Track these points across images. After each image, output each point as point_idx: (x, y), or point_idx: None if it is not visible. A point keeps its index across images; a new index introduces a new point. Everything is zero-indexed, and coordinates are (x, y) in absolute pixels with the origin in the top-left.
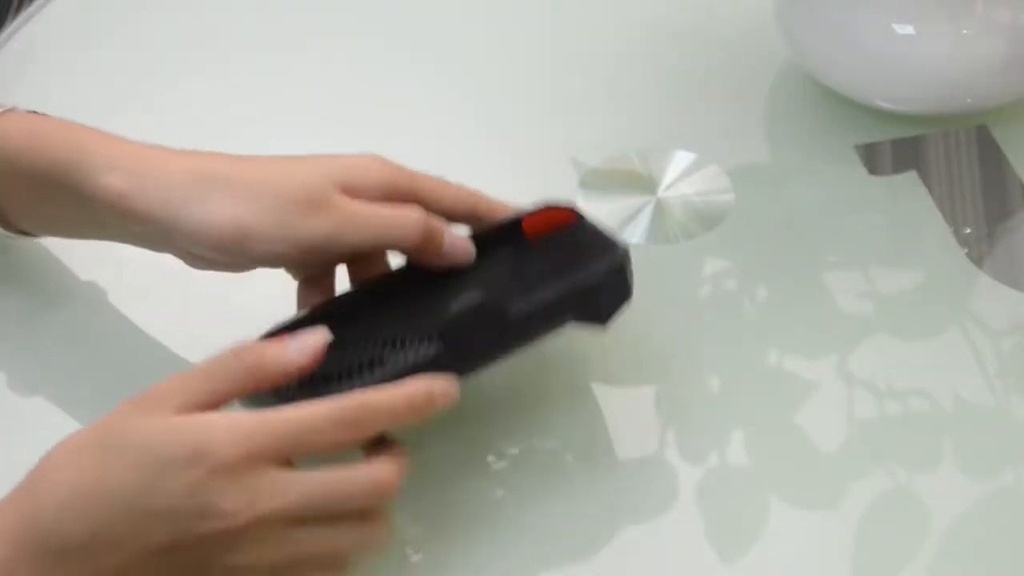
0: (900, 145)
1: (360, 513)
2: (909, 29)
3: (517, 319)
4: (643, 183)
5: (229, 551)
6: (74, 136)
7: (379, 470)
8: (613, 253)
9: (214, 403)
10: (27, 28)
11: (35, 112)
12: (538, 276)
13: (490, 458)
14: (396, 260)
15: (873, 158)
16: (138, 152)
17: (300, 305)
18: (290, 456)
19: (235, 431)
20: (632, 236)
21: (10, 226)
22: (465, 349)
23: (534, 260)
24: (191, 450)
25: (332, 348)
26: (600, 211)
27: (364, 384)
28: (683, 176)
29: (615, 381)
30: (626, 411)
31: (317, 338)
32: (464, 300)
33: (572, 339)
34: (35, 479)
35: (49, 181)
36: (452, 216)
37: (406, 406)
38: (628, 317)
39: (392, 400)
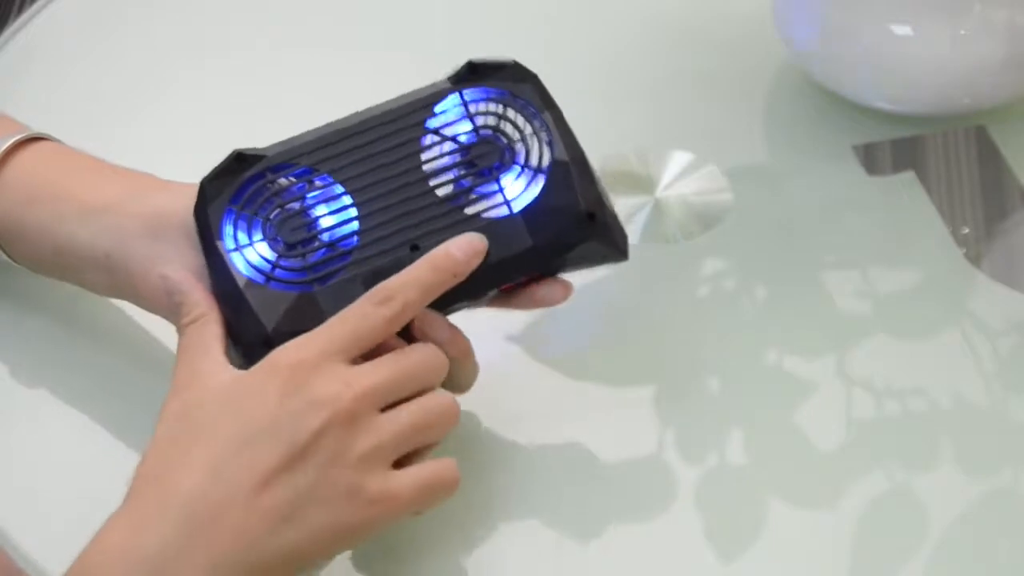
0: (898, 145)
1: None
2: (907, 30)
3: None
4: (641, 183)
5: (344, 447)
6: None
7: (428, 346)
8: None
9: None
10: (29, 27)
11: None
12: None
13: (489, 459)
14: None
15: (871, 158)
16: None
17: None
18: (353, 352)
19: (296, 341)
20: (631, 236)
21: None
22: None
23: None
24: (264, 370)
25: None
26: None
27: None
28: (681, 176)
29: (614, 381)
30: (626, 411)
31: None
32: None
33: (572, 337)
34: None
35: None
36: None
37: (430, 269)
38: (628, 317)
39: (415, 269)
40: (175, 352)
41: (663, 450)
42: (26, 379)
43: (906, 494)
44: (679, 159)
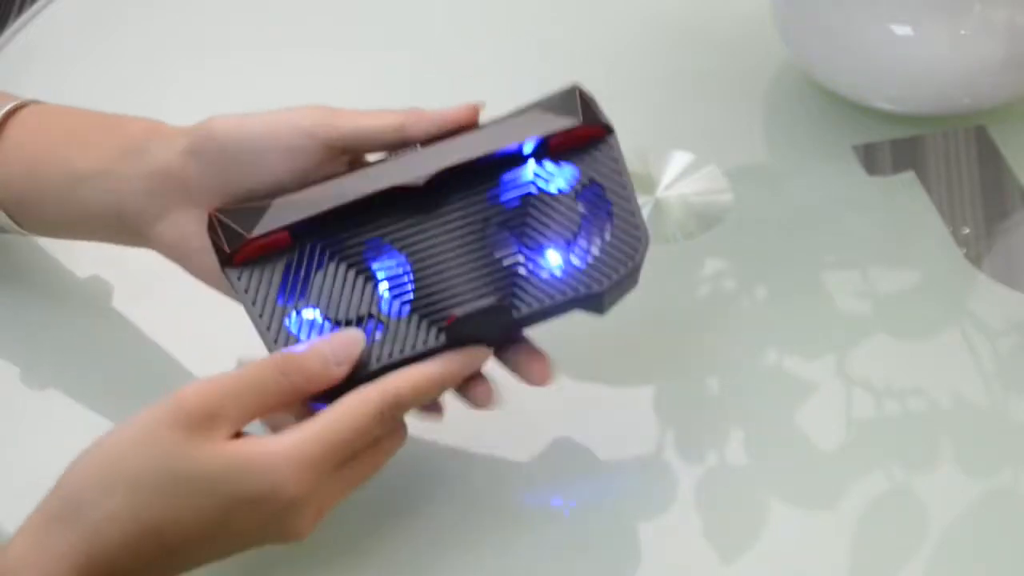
0: (898, 145)
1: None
2: (907, 30)
3: (521, 318)
4: (642, 183)
5: (293, 526)
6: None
7: (395, 443)
8: (633, 250)
9: (262, 417)
10: (29, 27)
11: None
12: (551, 263)
13: (489, 459)
14: None
15: (871, 158)
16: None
17: None
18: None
19: (301, 465)
20: None
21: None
22: (468, 340)
23: (551, 220)
24: (266, 491)
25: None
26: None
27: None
28: (682, 176)
29: (615, 381)
30: (626, 411)
31: (355, 346)
32: (473, 301)
33: (572, 338)
34: (80, 507)
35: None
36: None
37: (438, 386)
38: (627, 317)
39: (425, 388)
40: (177, 352)
41: (663, 450)
42: (27, 379)
43: (906, 494)
44: (679, 159)
